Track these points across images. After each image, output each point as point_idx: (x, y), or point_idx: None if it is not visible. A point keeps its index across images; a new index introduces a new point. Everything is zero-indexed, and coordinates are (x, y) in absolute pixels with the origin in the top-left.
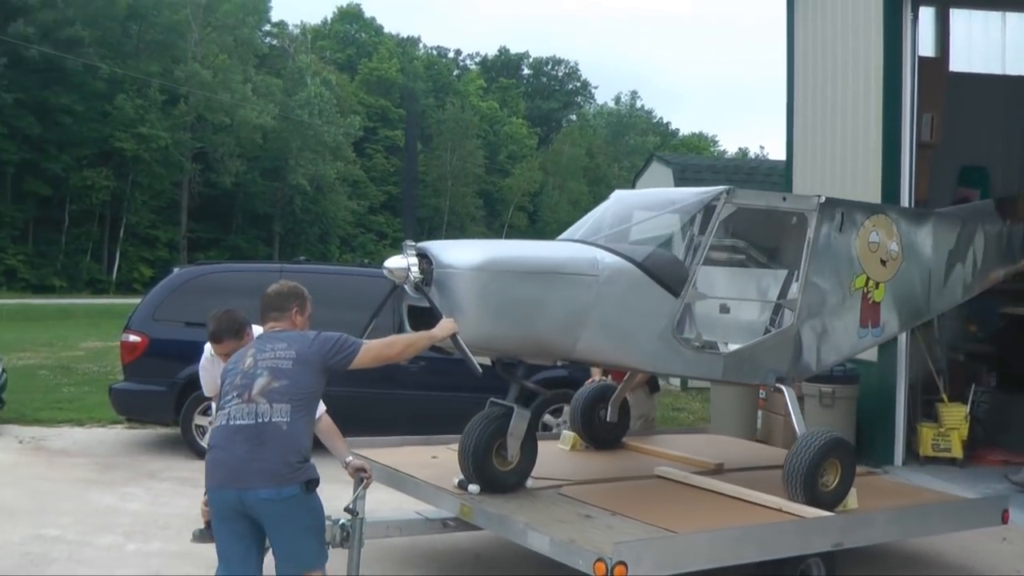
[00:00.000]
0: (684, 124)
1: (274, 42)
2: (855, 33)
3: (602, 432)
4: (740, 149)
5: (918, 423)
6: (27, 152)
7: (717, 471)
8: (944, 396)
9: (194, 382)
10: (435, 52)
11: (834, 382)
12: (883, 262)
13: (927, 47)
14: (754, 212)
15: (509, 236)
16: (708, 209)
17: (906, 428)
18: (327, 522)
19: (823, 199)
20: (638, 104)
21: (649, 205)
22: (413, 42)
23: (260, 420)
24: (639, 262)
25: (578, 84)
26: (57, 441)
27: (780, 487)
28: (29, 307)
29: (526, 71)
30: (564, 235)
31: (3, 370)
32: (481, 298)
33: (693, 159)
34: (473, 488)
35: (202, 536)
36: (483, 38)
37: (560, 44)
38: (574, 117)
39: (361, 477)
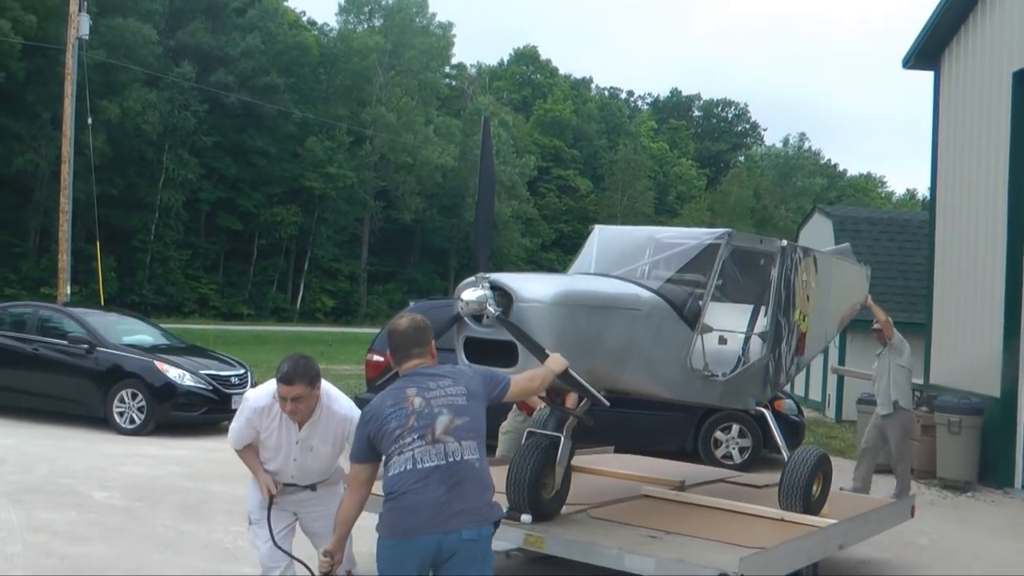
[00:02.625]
0: (852, 164)
1: (453, 83)
2: (988, 107)
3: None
4: (908, 190)
5: None
6: (223, 191)
7: (682, 488)
8: None
9: None
10: (608, 93)
11: (961, 412)
12: (807, 297)
13: None
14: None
15: None
16: (711, 248)
17: None
18: None
19: (784, 243)
20: (806, 145)
21: (660, 242)
22: (586, 83)
23: (451, 459)
24: (668, 298)
25: (747, 126)
26: None
27: (743, 498)
28: (227, 333)
29: (696, 113)
30: (573, 269)
31: (256, 383)
32: (558, 332)
33: (852, 210)
34: (526, 518)
35: None
36: (655, 79)
37: (731, 85)
38: (742, 159)
39: None
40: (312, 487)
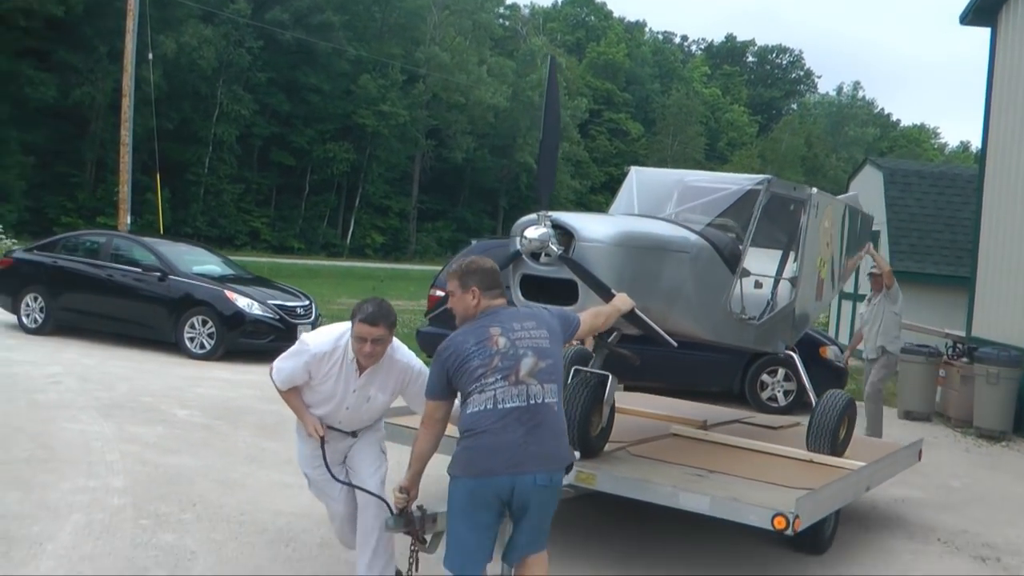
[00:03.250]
0: (906, 114)
1: (507, 24)
2: None
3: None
4: (961, 142)
5: None
6: (276, 127)
7: (705, 427)
8: None
9: None
10: (661, 37)
11: (1000, 364)
12: (827, 244)
13: None
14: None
15: None
16: (751, 194)
17: None
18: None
19: (815, 191)
20: (860, 94)
21: (688, 186)
22: (640, 27)
23: (533, 402)
24: (713, 241)
25: (801, 73)
26: None
27: (762, 438)
28: (279, 266)
29: (750, 59)
30: (614, 209)
31: (319, 313)
32: (617, 271)
33: (903, 163)
34: (576, 455)
35: (396, 524)
36: (710, 24)
37: (786, 31)
38: (795, 106)
39: None
40: (354, 433)
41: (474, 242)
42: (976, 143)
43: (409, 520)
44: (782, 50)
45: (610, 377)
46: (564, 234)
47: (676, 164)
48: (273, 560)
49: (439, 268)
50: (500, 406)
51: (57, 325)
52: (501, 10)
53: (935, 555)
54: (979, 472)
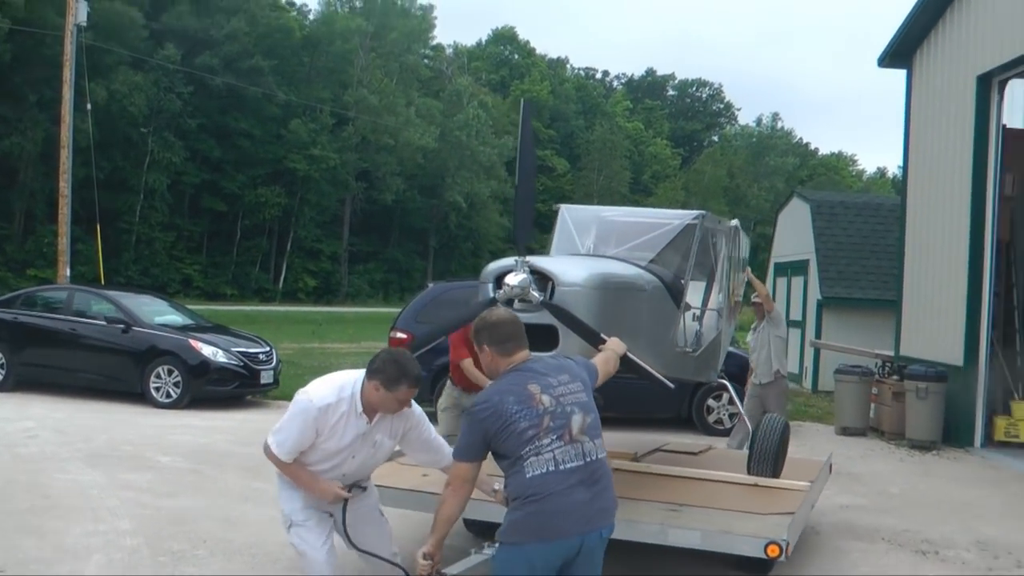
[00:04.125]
0: (824, 143)
1: (431, 64)
2: (955, 105)
3: None
4: (878, 168)
5: (995, 415)
6: (207, 173)
7: (636, 458)
8: (1017, 395)
9: (445, 369)
10: (583, 73)
11: (928, 380)
12: (737, 272)
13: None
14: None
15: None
16: (688, 229)
17: (985, 418)
18: (486, 553)
19: (735, 222)
20: (779, 125)
21: (626, 223)
22: (562, 63)
23: (589, 459)
24: (661, 278)
25: (721, 105)
26: None
27: (688, 464)
28: (215, 313)
29: (671, 92)
30: (555, 250)
31: (279, 359)
32: (596, 315)
33: (829, 195)
34: None
35: None
36: (629, 59)
37: (705, 64)
38: (716, 138)
39: None
40: (362, 485)
41: (431, 285)
42: (893, 168)
43: None
44: (702, 83)
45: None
46: (541, 279)
47: (602, 198)
48: None
49: (372, 310)
50: (562, 467)
51: (18, 381)
52: (426, 51)
53: (881, 552)
54: (914, 479)
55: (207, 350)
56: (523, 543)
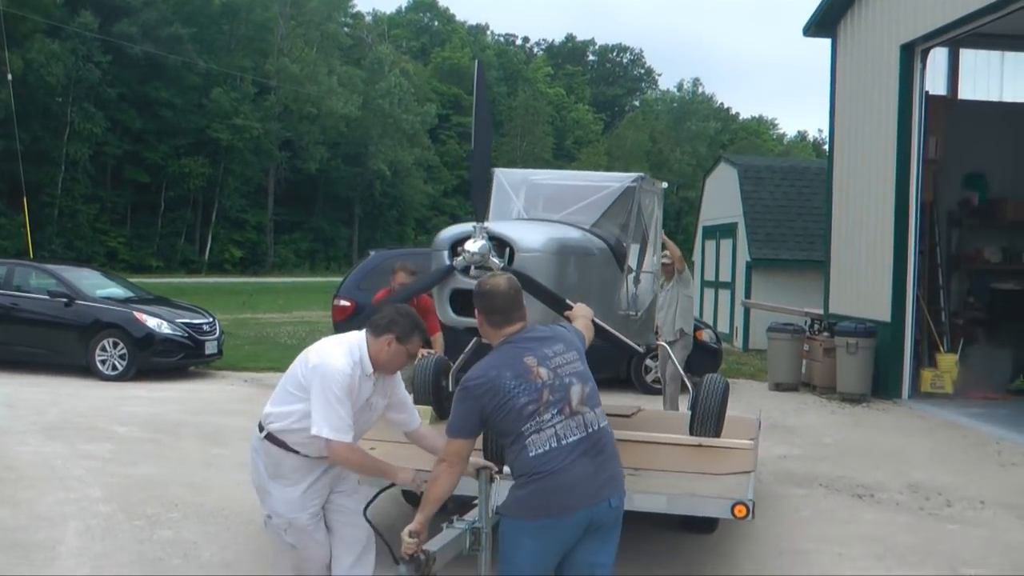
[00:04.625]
0: (745, 108)
1: (351, 32)
2: (879, 73)
3: (448, 403)
4: (799, 132)
5: (921, 368)
6: (128, 143)
7: None
8: (941, 348)
9: None
10: (503, 40)
11: (857, 336)
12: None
13: (941, 80)
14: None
15: None
16: (628, 191)
17: (911, 371)
18: (459, 527)
19: (664, 185)
20: (700, 90)
21: (565, 186)
22: (483, 30)
23: (591, 429)
24: (609, 243)
25: (642, 71)
26: (269, 380)
27: (621, 427)
28: (144, 285)
29: (591, 58)
30: (494, 214)
31: (221, 329)
32: (554, 280)
33: (756, 159)
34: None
35: (408, 571)
36: (550, 25)
37: (625, 30)
38: (637, 103)
39: (490, 475)
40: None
41: (372, 252)
42: (813, 132)
43: (418, 565)
44: (622, 48)
45: None
46: (499, 245)
47: (526, 164)
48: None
49: (299, 280)
50: (564, 442)
51: None
52: (346, 19)
53: (820, 496)
54: (846, 429)
55: (152, 322)
56: (531, 519)
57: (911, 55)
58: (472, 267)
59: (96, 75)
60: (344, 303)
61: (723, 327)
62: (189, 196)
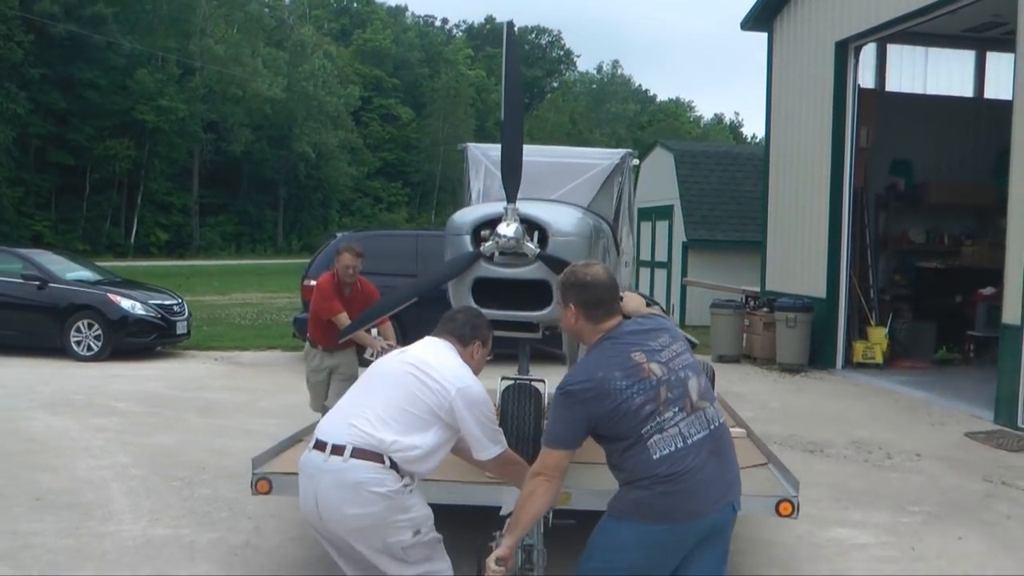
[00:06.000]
0: (662, 90)
1: (272, 13)
2: (815, 68)
3: None
4: (715, 115)
5: (853, 340)
6: (52, 125)
7: None
8: (872, 322)
9: None
10: (423, 21)
11: (796, 310)
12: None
13: (870, 73)
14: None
15: None
16: (616, 169)
17: (845, 343)
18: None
19: (637, 160)
20: (619, 72)
21: (554, 163)
22: (402, 11)
23: (713, 426)
24: (609, 224)
25: (561, 52)
26: (238, 359)
27: None
28: None
29: None
30: (487, 194)
31: (190, 311)
32: None
33: (690, 145)
34: None
35: None
36: (469, 6)
37: (544, 12)
38: (556, 85)
39: None
40: None
41: (338, 235)
42: (729, 115)
43: None
44: (541, 30)
45: (545, 382)
46: (529, 229)
47: (448, 146)
48: None
49: (226, 263)
50: (690, 440)
51: None
52: (267, 0)
53: (776, 452)
54: (789, 396)
55: (126, 303)
56: (650, 523)
57: (845, 51)
58: (496, 253)
59: (18, 55)
60: (314, 283)
61: (662, 303)
62: (115, 179)
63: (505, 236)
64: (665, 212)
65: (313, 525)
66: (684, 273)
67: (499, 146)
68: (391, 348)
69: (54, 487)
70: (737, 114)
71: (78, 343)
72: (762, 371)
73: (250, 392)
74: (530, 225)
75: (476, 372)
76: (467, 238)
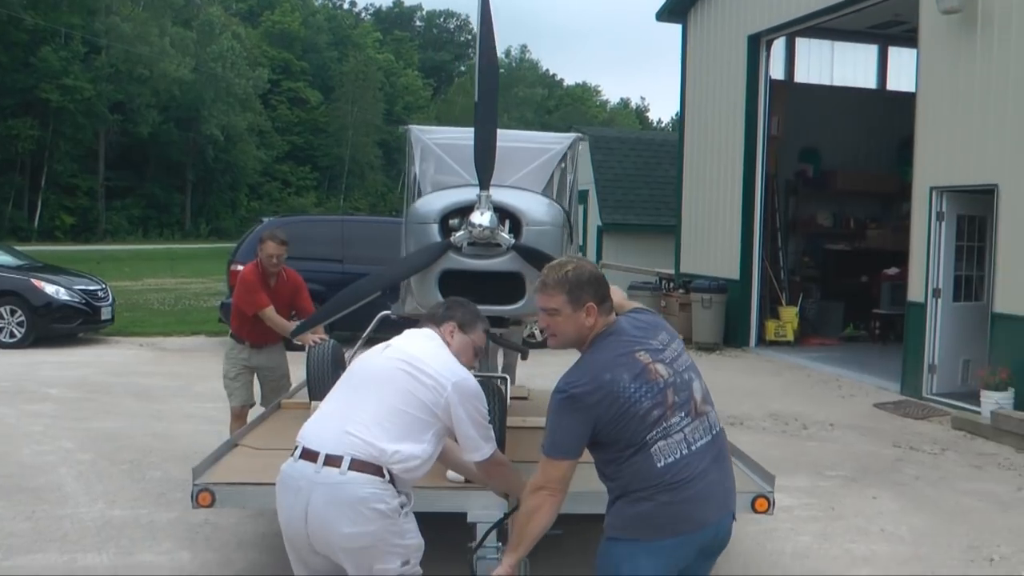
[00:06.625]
0: (569, 75)
1: None
2: (728, 59)
3: None
4: (622, 99)
5: (766, 319)
6: None
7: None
8: (783, 302)
9: None
10: (331, 4)
11: (711, 292)
12: None
13: (780, 65)
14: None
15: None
16: (566, 155)
17: (758, 322)
18: (494, 558)
19: (585, 138)
20: (527, 56)
21: (503, 150)
22: None
23: (714, 432)
24: (564, 209)
25: (469, 37)
26: (163, 344)
27: (530, 411)
28: None
29: (418, 23)
30: (437, 182)
31: (113, 297)
32: (557, 256)
33: (605, 130)
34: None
35: None
36: None
37: None
38: (464, 69)
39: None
40: None
41: (265, 219)
42: (635, 100)
43: None
44: (449, 14)
45: (507, 379)
46: (501, 217)
47: (357, 130)
48: None
49: (133, 247)
50: (695, 446)
51: None
52: None
53: None
54: (707, 373)
55: (50, 289)
56: (652, 538)
57: (757, 44)
58: (465, 244)
59: None
60: (241, 268)
61: None
62: (17, 160)
63: (480, 225)
64: (580, 196)
65: (294, 543)
66: (600, 257)
67: (443, 129)
68: (323, 342)
69: (1, 472)
70: (643, 99)
71: (0, 330)
72: None
73: (183, 377)
74: (502, 214)
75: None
76: (435, 227)
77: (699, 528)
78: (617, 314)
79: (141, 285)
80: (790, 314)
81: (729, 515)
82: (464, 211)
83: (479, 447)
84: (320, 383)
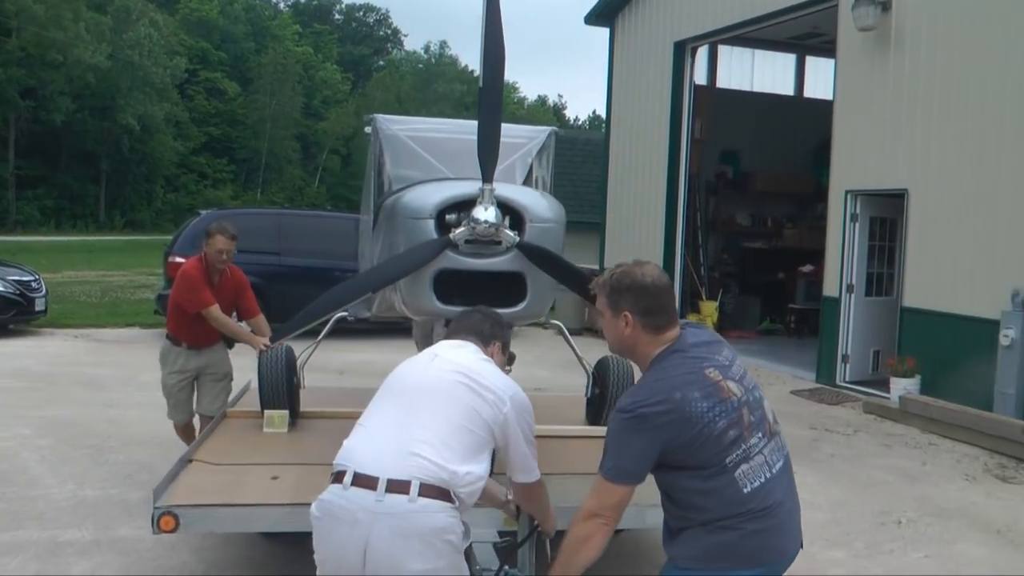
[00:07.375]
0: None
1: None
2: (654, 64)
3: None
4: (539, 96)
5: (687, 313)
6: None
7: None
8: (703, 297)
9: None
10: None
11: None
12: None
13: (703, 70)
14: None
15: (323, 179)
16: (543, 148)
17: (679, 316)
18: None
19: (560, 131)
20: (447, 52)
21: (467, 141)
22: None
23: (786, 452)
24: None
25: (388, 31)
26: (99, 336)
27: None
28: None
29: (338, 17)
30: (408, 174)
31: (46, 288)
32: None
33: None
34: None
35: None
36: None
37: None
38: (383, 63)
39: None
40: None
41: (203, 212)
42: (552, 97)
43: None
44: (369, 8)
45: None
46: (503, 214)
47: (275, 123)
48: None
49: (47, 239)
50: (775, 469)
51: None
52: None
53: None
54: (633, 365)
55: None
56: (733, 570)
57: (683, 51)
58: (464, 242)
59: None
60: (180, 260)
61: None
62: None
63: (485, 221)
64: None
65: None
66: None
67: (413, 119)
68: (272, 347)
69: None
70: (560, 96)
71: None
72: (603, 342)
73: (127, 367)
74: (503, 210)
75: None
76: (430, 223)
77: (781, 558)
78: None
79: (61, 277)
80: (710, 308)
81: (799, 542)
82: (462, 206)
83: (531, 467)
84: (273, 389)
